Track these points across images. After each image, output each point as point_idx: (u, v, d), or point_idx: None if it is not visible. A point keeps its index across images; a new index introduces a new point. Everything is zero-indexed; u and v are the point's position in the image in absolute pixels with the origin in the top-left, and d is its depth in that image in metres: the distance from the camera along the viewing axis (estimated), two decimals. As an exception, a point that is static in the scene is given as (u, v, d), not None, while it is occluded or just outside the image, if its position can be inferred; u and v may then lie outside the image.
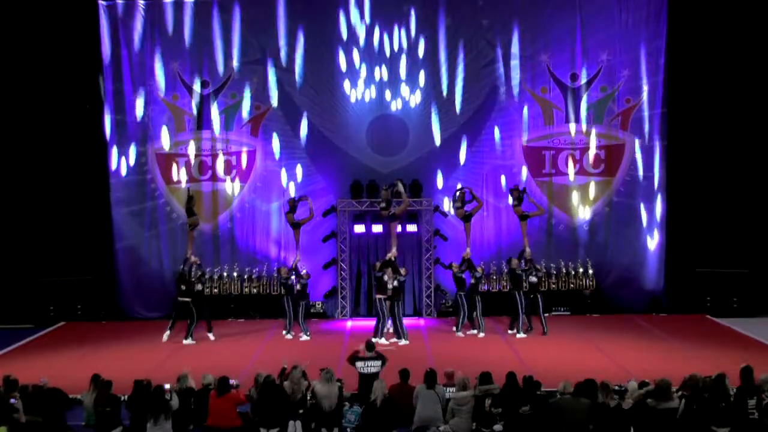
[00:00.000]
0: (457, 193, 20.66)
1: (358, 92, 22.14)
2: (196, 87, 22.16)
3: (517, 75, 22.11)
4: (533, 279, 19.87)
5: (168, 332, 19.31)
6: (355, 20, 21.97)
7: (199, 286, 19.73)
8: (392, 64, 22.09)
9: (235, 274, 22.10)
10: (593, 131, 22.26)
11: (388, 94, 22.16)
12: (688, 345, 18.31)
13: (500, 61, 22.09)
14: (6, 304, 21.81)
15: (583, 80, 22.14)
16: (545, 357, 17.25)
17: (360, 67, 22.07)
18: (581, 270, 22.11)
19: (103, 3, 21.81)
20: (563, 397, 12.35)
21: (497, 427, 12.65)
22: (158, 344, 19.06)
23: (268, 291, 22.04)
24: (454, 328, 19.80)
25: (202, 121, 22.26)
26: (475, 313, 19.64)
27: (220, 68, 22.09)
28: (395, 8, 22.01)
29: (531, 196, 20.99)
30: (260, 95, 22.23)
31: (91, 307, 22.00)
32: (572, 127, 22.30)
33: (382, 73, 22.09)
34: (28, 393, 13.03)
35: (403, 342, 18.78)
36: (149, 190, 22.31)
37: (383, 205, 20.24)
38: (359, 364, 14.17)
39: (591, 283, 22.09)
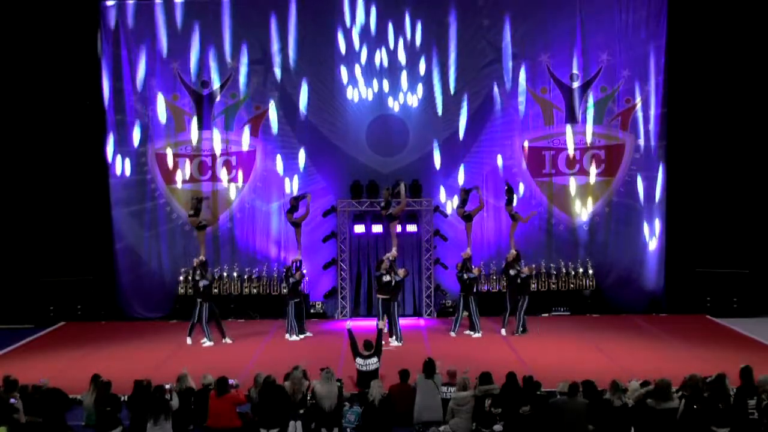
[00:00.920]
0: (462, 193, 20.63)
1: (358, 92, 22.14)
2: (196, 87, 22.16)
3: (517, 75, 22.12)
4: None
5: (189, 337, 19.16)
6: (356, 20, 21.95)
7: (203, 282, 19.22)
8: (392, 64, 22.07)
9: (235, 274, 22.09)
10: (593, 131, 22.27)
11: (388, 94, 22.15)
12: (688, 345, 18.31)
13: (500, 61, 22.10)
14: (6, 304, 21.80)
15: (583, 80, 22.15)
16: (545, 357, 17.24)
17: (360, 67, 22.05)
18: (581, 270, 22.11)
19: (103, 3, 21.81)
20: (562, 397, 12.36)
21: (497, 427, 12.67)
22: (158, 344, 19.05)
23: (268, 291, 22.05)
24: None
25: (202, 121, 22.26)
26: (467, 313, 19.63)
27: (220, 68, 22.09)
28: (395, 8, 22.00)
29: (515, 195, 20.81)
30: (260, 95, 22.23)
31: (91, 307, 22.00)
32: (572, 127, 22.30)
33: (382, 73, 22.09)
34: (28, 393, 13.04)
35: (396, 343, 18.69)
36: (149, 190, 22.31)
37: (383, 205, 20.25)
38: (359, 361, 14.20)
39: (591, 283, 22.09)
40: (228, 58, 22.03)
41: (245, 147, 22.32)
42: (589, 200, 22.34)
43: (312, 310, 21.54)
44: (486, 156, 22.36)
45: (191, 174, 22.35)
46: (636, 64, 21.97)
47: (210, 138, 22.31)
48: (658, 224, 22.17)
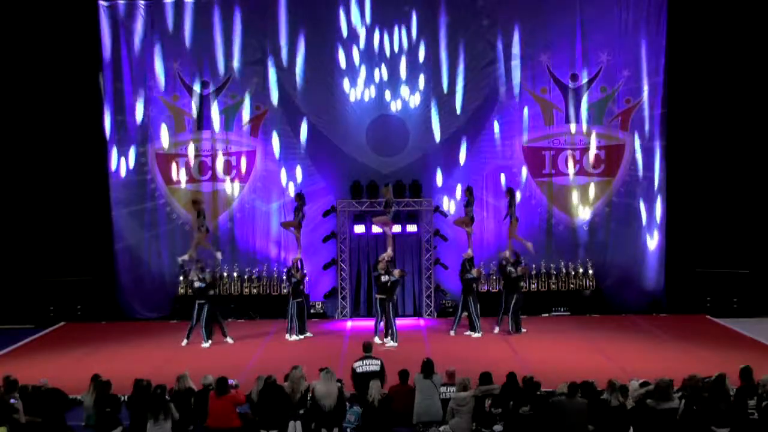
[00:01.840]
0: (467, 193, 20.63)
1: (357, 92, 22.14)
2: (196, 87, 22.15)
3: (517, 75, 22.10)
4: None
5: (206, 340, 19.11)
6: (356, 20, 21.95)
7: (197, 284, 19.17)
8: (392, 64, 22.07)
9: (235, 274, 22.09)
10: (593, 131, 22.26)
11: (388, 94, 22.15)
12: (688, 345, 18.31)
13: (500, 61, 22.09)
14: (6, 304, 21.81)
15: (583, 80, 22.13)
16: (545, 357, 17.24)
17: (360, 67, 22.07)
18: (581, 270, 22.12)
19: (103, 3, 21.80)
20: (562, 398, 12.36)
21: (497, 427, 12.67)
22: (158, 344, 19.06)
23: (268, 291, 22.05)
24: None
25: (202, 121, 22.25)
26: (466, 313, 19.63)
27: (220, 68, 22.08)
28: (395, 8, 22.00)
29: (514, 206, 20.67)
30: (260, 95, 22.22)
31: (91, 307, 22.00)
32: (572, 127, 22.29)
33: (382, 73, 22.09)
34: (28, 393, 13.03)
35: (392, 343, 18.64)
36: (149, 190, 22.30)
37: (383, 204, 20.25)
38: (357, 363, 14.13)
39: (591, 283, 22.09)
40: (228, 58, 22.02)
41: (245, 147, 22.32)
42: (589, 200, 22.33)
43: (312, 310, 21.52)
44: (486, 156, 22.35)
45: (191, 174, 22.35)
46: (636, 64, 21.97)
47: (210, 138, 22.31)
48: (657, 224, 22.16)
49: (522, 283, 20.01)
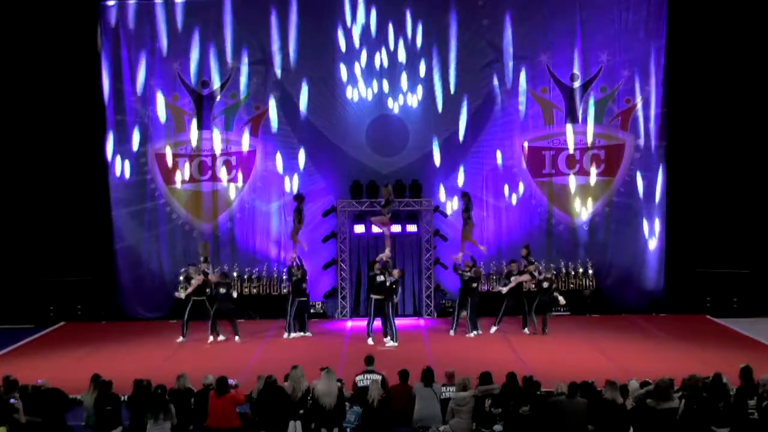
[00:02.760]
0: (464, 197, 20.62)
1: (358, 92, 22.14)
2: (196, 87, 22.16)
3: (517, 75, 22.11)
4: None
5: (211, 337, 19.27)
6: (356, 20, 21.94)
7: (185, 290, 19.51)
8: (392, 64, 22.07)
9: (235, 274, 22.08)
10: (593, 131, 22.26)
11: (388, 94, 22.14)
12: (688, 345, 18.31)
13: (500, 61, 22.10)
14: (6, 304, 21.81)
15: (583, 80, 22.14)
16: (545, 357, 17.24)
17: (360, 67, 22.05)
18: (581, 270, 22.12)
19: (103, 3, 21.81)
20: (562, 398, 12.35)
21: (497, 427, 12.66)
22: (158, 344, 19.06)
23: (268, 291, 22.05)
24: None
25: (202, 121, 22.26)
26: (464, 312, 19.60)
27: (220, 68, 22.09)
28: (395, 8, 22.00)
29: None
30: (260, 95, 22.22)
31: (91, 307, 22.02)
32: (572, 127, 22.30)
33: (381, 73, 22.09)
34: (27, 393, 13.03)
35: (392, 343, 18.62)
36: (149, 190, 22.31)
37: (383, 203, 20.24)
38: (359, 377, 13.91)
39: (591, 283, 22.10)
40: (228, 58, 22.03)
41: (245, 147, 22.31)
42: (589, 200, 22.32)
43: (312, 310, 21.51)
44: (486, 156, 22.35)
45: (191, 174, 22.35)
46: (636, 64, 21.97)
47: (210, 138, 22.31)
48: (658, 224, 22.17)
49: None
